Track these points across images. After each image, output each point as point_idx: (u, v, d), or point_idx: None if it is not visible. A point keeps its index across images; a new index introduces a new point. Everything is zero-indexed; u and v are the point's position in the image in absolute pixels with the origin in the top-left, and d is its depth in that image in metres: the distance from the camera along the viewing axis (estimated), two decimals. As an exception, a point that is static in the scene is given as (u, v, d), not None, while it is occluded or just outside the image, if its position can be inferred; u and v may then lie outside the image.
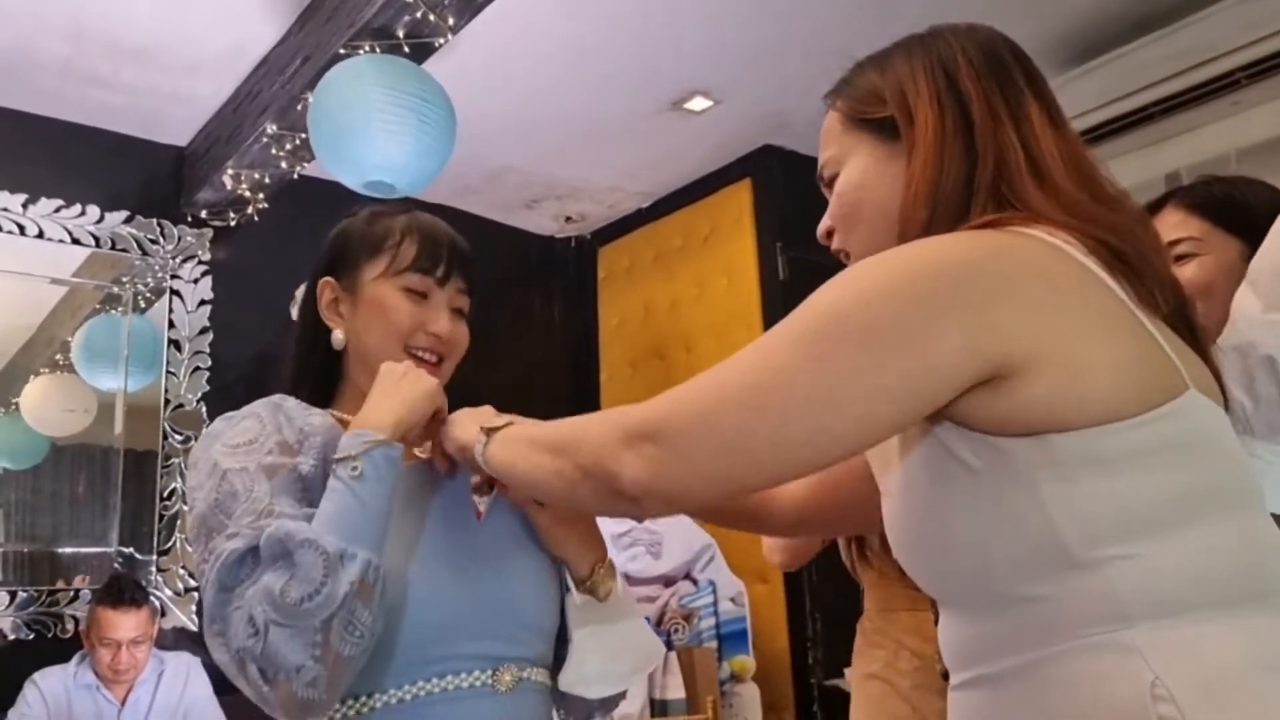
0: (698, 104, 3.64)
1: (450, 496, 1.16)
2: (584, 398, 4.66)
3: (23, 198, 3.47)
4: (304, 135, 3.15)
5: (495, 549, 1.13)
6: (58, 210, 3.53)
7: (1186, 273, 1.34)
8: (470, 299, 1.25)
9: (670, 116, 3.72)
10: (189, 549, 3.58)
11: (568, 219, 4.61)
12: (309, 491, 1.06)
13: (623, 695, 1.25)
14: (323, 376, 1.24)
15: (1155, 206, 1.43)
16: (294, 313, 1.07)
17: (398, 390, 1.10)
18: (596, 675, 1.18)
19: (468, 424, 1.09)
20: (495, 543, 1.14)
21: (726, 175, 4.14)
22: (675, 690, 2.95)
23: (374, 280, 1.20)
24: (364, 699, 1.04)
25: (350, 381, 1.23)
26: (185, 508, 3.60)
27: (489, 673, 1.08)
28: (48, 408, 3.52)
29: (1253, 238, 1.31)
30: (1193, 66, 3.04)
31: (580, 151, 3.97)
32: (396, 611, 1.03)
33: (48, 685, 2.87)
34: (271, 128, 3.16)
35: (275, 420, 1.11)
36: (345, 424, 1.15)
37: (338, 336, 1.22)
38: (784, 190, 4.02)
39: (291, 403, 1.15)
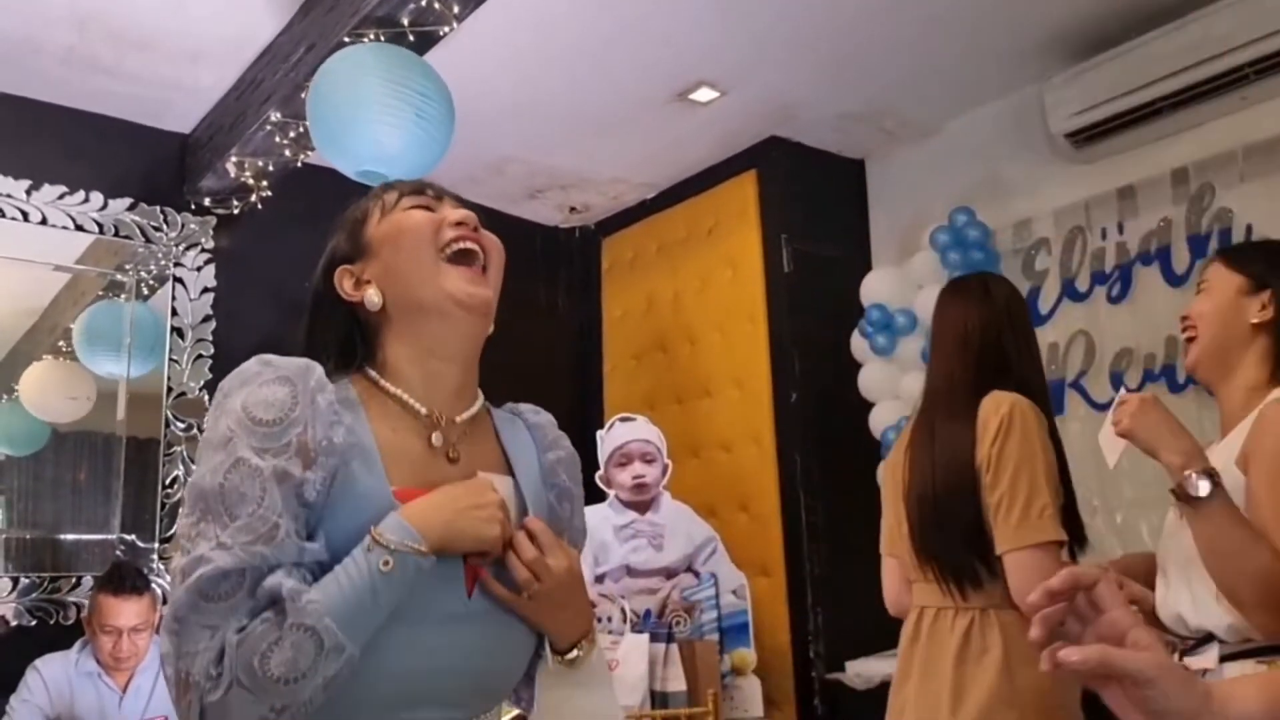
0: (703, 95, 3.63)
1: (442, 567, 1.06)
2: (587, 390, 4.66)
3: (26, 184, 3.46)
4: (307, 123, 3.14)
5: (473, 623, 1.08)
6: (61, 197, 3.52)
7: (1195, 302, 1.81)
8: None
9: (675, 107, 3.70)
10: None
11: (572, 210, 4.60)
12: (310, 511, 1.01)
13: None
14: (346, 347, 1.18)
15: (1209, 263, 1.88)
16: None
17: (458, 499, 1.06)
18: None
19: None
20: (474, 617, 1.08)
21: (731, 167, 4.13)
22: (676, 683, 2.95)
23: (377, 226, 1.19)
24: None
25: (388, 348, 1.16)
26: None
27: None
28: (49, 394, 3.51)
29: (1254, 279, 1.74)
30: (1201, 61, 3.03)
31: (585, 142, 3.95)
32: (360, 675, 0.99)
33: (50, 672, 2.87)
34: (275, 115, 3.15)
35: (306, 411, 1.03)
36: (400, 404, 1.12)
37: (372, 296, 1.14)
38: (789, 182, 4.00)
39: (326, 399, 1.05)
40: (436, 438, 1.13)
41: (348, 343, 1.18)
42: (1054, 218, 3.53)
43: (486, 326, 1.19)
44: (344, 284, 1.18)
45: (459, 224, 1.16)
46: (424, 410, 1.14)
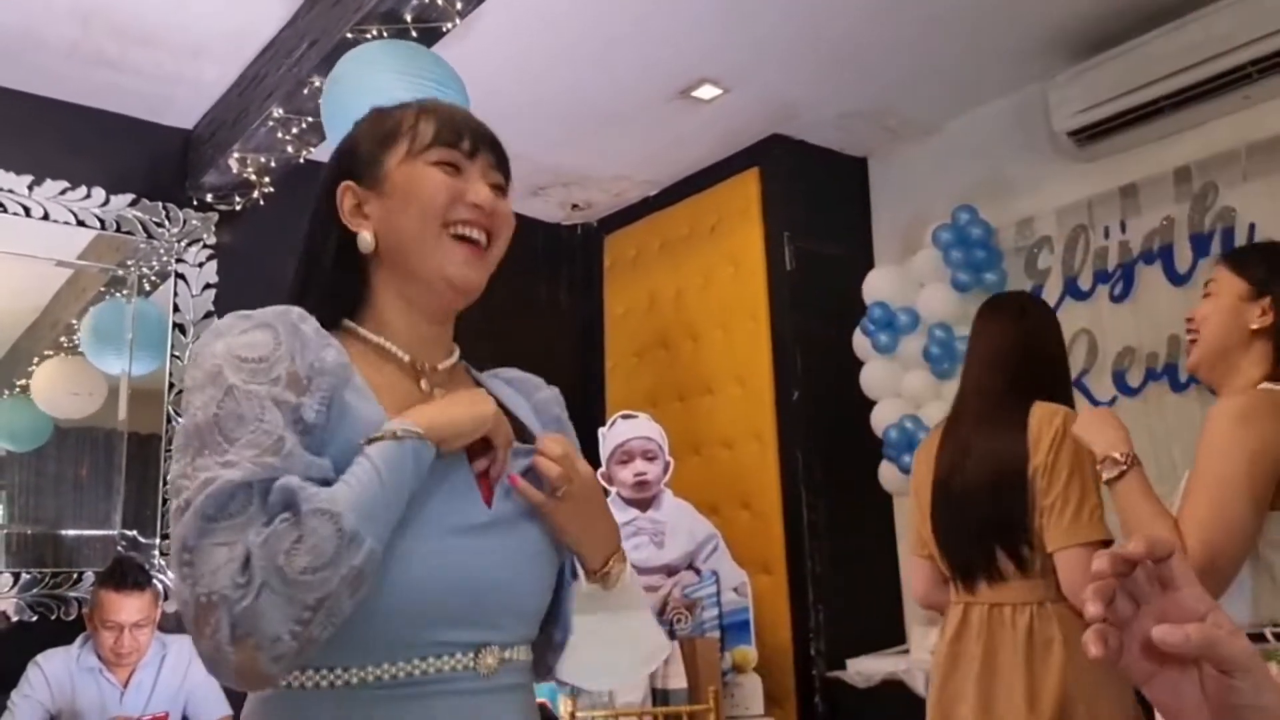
0: (706, 92, 3.63)
1: (455, 479, 1.06)
2: (589, 387, 4.66)
3: (28, 179, 3.46)
4: (310, 119, 3.14)
5: (494, 534, 1.07)
6: (63, 192, 3.52)
7: (1204, 305, 1.86)
8: (506, 178, 1.17)
9: (678, 104, 3.70)
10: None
11: (574, 206, 4.60)
12: (308, 437, 0.98)
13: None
14: (337, 287, 1.14)
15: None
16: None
17: (455, 404, 1.06)
18: (598, 667, 1.16)
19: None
20: (495, 528, 1.07)
21: (734, 164, 4.13)
22: (677, 680, 2.95)
23: (398, 165, 1.11)
24: (340, 672, 0.99)
25: (377, 291, 1.14)
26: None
27: (471, 655, 1.04)
28: (55, 391, 3.52)
29: (1256, 284, 1.80)
30: (1204, 60, 3.03)
31: (587, 139, 3.95)
32: (385, 589, 0.97)
33: (51, 667, 2.87)
34: (278, 112, 3.15)
35: (291, 344, 1.01)
36: (384, 352, 1.12)
37: (365, 238, 1.11)
38: (792, 180, 4.00)
39: (311, 326, 1.04)
40: (424, 384, 1.13)
41: (337, 279, 1.14)
42: (1056, 216, 3.53)
43: (472, 298, 1.17)
44: (344, 201, 1.13)
45: (475, 206, 1.11)
46: (407, 358, 1.13)
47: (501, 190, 1.16)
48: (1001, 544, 2.02)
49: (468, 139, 1.14)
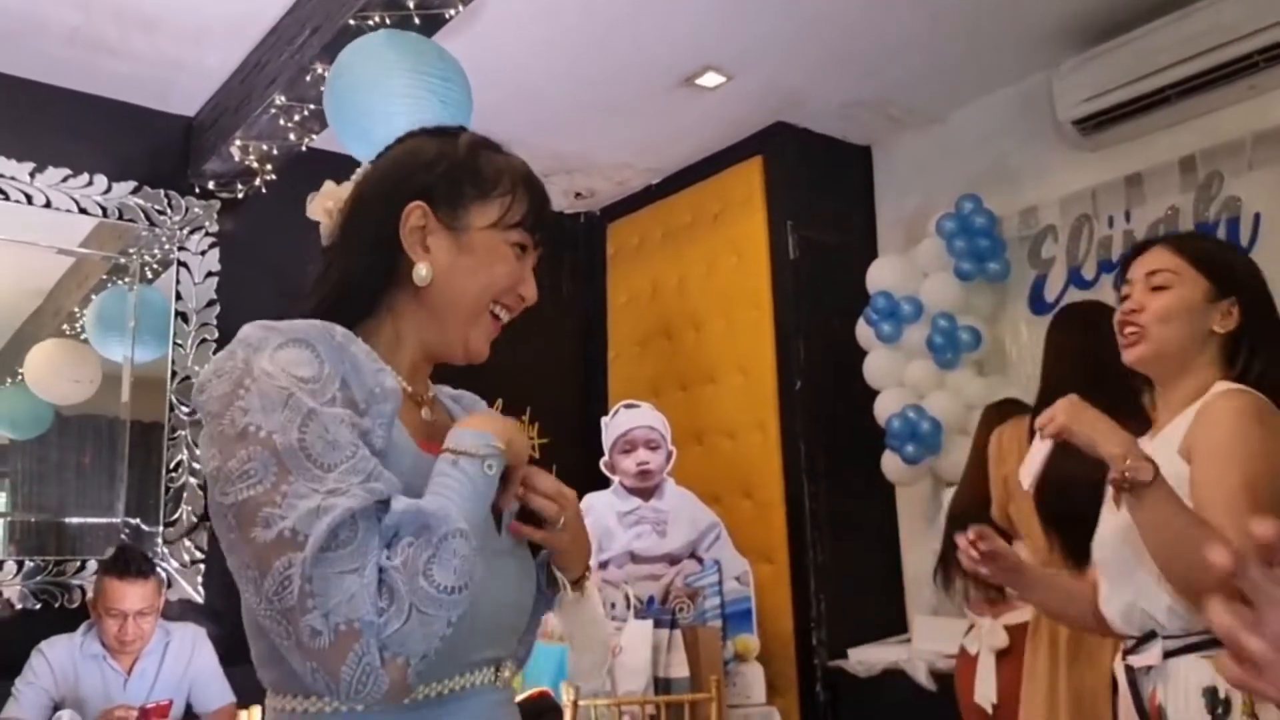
0: (710, 79, 3.61)
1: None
2: (591, 376, 4.66)
3: (30, 166, 3.46)
4: (312, 106, 3.13)
5: (508, 558, 1.13)
6: (65, 180, 3.52)
7: (1159, 300, 1.66)
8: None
9: (682, 92, 3.69)
10: (195, 521, 3.58)
11: (577, 195, 4.59)
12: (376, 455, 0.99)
13: None
14: (358, 299, 1.12)
15: (1144, 246, 1.74)
16: (311, 209, 0.96)
17: (509, 428, 1.09)
18: (591, 667, 1.25)
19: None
20: (506, 553, 1.14)
21: (738, 152, 4.11)
22: (679, 669, 2.95)
23: (485, 229, 1.13)
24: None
25: (401, 319, 1.13)
26: (191, 479, 3.61)
27: (493, 670, 1.10)
28: (53, 376, 3.51)
29: (1220, 285, 1.66)
30: (1210, 49, 3.01)
31: (590, 126, 3.94)
32: None
33: (55, 655, 2.88)
34: (280, 99, 3.14)
35: (338, 365, 0.99)
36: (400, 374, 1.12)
37: (422, 272, 1.10)
38: (795, 169, 3.99)
39: (360, 348, 1.03)
40: (426, 413, 1.16)
41: (363, 291, 1.12)
42: (1061, 205, 3.52)
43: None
44: (409, 220, 1.11)
45: (521, 299, 1.18)
46: (410, 388, 1.14)
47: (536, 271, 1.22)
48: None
49: (542, 231, 1.18)
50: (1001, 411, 2.99)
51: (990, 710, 2.76)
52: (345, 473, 0.92)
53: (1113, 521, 1.67)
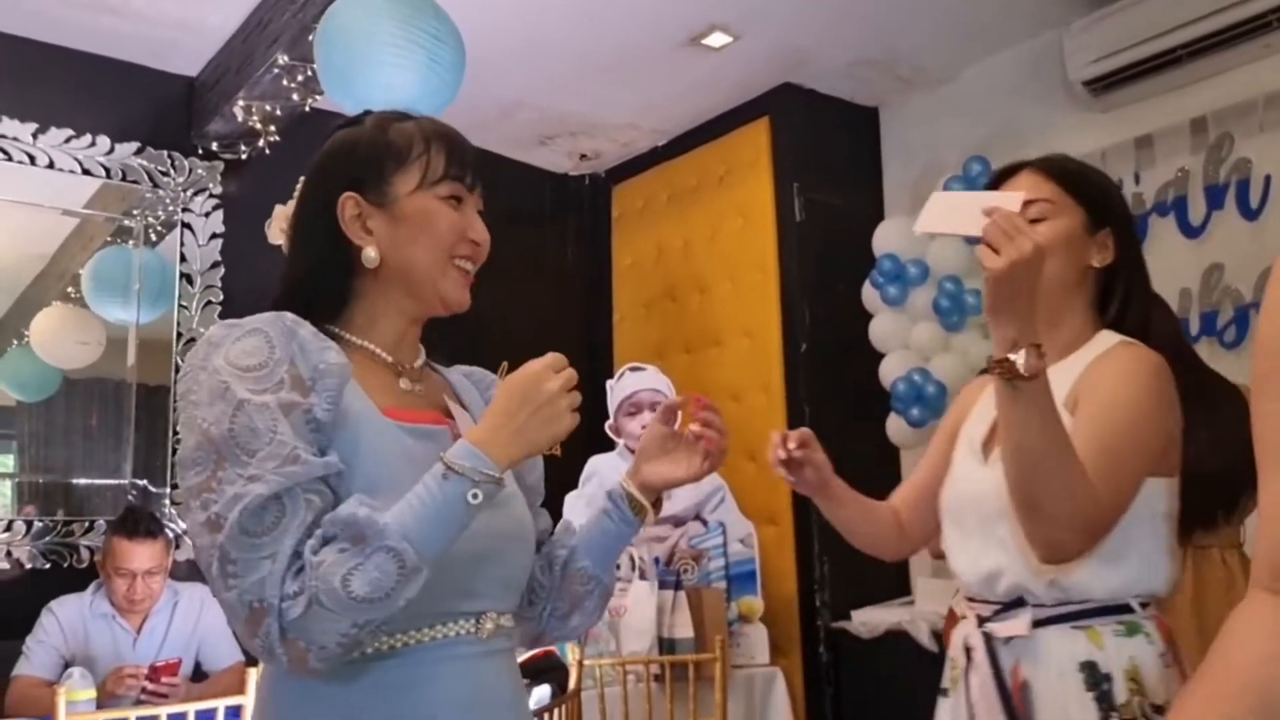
0: (716, 39, 3.57)
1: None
2: (596, 339, 4.65)
3: (33, 127, 3.44)
4: (315, 67, 3.10)
5: (486, 510, 1.08)
6: (68, 140, 3.50)
7: (1040, 231, 1.43)
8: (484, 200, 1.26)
9: (688, 52, 3.65)
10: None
11: (582, 156, 4.56)
12: (320, 434, 1.05)
13: None
14: (327, 292, 1.19)
15: (1010, 172, 1.57)
16: (271, 233, 1.03)
17: (531, 428, 1.07)
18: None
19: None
20: (509, 496, 1.16)
21: (744, 114, 4.08)
22: (684, 629, 2.98)
23: (410, 194, 1.17)
24: None
25: (368, 299, 1.19)
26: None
27: (473, 622, 1.12)
28: (59, 340, 3.52)
29: (1096, 214, 1.49)
30: (1223, 8, 2.98)
31: (595, 87, 3.90)
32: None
33: (64, 613, 2.91)
34: (283, 59, 3.11)
35: (288, 349, 1.06)
36: (368, 354, 1.17)
37: (370, 255, 1.16)
38: (802, 130, 3.96)
39: (307, 330, 1.09)
40: (404, 382, 1.20)
41: (327, 284, 1.18)
42: (1070, 167, 3.49)
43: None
44: (345, 211, 1.17)
45: (475, 244, 1.20)
46: (390, 359, 1.20)
47: (483, 214, 1.25)
48: None
49: (470, 172, 1.21)
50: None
51: None
52: (264, 458, 0.99)
53: (982, 476, 1.46)
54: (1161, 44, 3.11)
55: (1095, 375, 1.39)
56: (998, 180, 1.58)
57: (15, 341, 3.47)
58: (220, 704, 2.38)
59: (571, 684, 2.62)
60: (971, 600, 1.48)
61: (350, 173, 1.18)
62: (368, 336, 1.19)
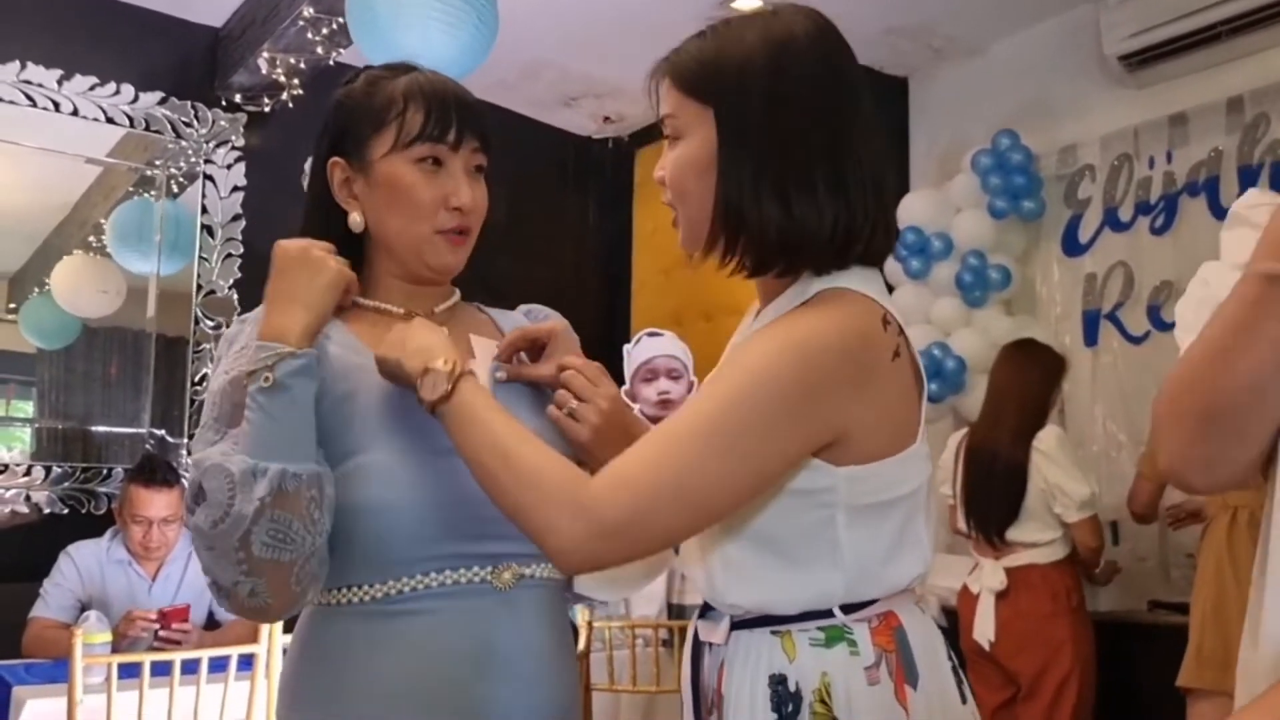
0: (746, 3, 3.52)
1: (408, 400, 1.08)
2: (615, 304, 4.64)
3: (58, 74, 3.43)
4: (341, 20, 3.08)
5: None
6: (93, 88, 3.49)
7: (667, 162, 1.10)
8: (487, 155, 1.17)
9: (718, 15, 3.60)
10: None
11: (606, 119, 4.52)
12: None
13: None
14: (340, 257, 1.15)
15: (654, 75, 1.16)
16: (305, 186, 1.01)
17: (297, 287, 1.07)
18: (608, 577, 1.17)
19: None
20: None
21: (770, 80, 4.03)
22: (693, 595, 2.98)
23: (384, 157, 1.13)
24: (350, 589, 1.07)
25: (372, 266, 1.18)
26: (216, 393, 3.65)
27: (488, 569, 1.08)
28: (79, 288, 3.54)
29: (722, 106, 1.06)
30: (1266, -16, 2.91)
31: (621, 48, 3.86)
32: (376, 509, 1.05)
33: (81, 558, 2.94)
34: (308, 11, 3.09)
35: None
36: (378, 311, 1.16)
37: (355, 219, 1.15)
38: (829, 98, 3.90)
39: None
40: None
41: (341, 249, 1.15)
42: (1101, 144, 3.44)
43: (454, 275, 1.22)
44: (334, 177, 1.16)
45: (458, 212, 1.13)
46: (401, 310, 1.17)
47: (481, 170, 1.17)
48: None
49: (453, 129, 1.13)
50: (1021, 350, 2.97)
51: (987, 648, 2.80)
52: (203, 429, 1.09)
53: None
54: (1200, 20, 3.06)
55: (747, 344, 1.07)
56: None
57: (36, 289, 3.49)
58: (233, 652, 2.41)
59: (580, 646, 2.63)
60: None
61: (336, 136, 1.17)
62: (375, 295, 1.18)
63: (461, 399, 1.02)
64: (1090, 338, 3.43)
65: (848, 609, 1.05)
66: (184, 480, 3.11)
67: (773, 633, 1.06)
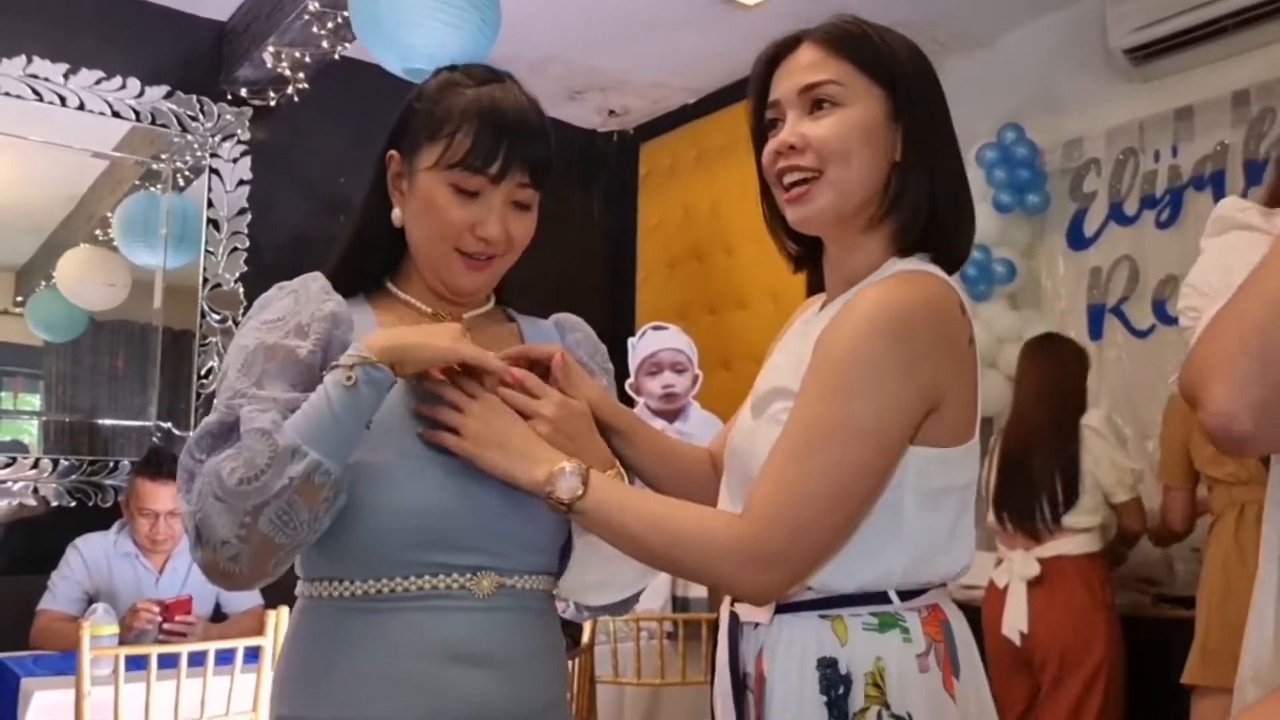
0: (750, -2, 3.52)
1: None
2: (620, 297, 4.64)
3: (64, 68, 3.44)
4: (346, 14, 3.08)
5: (455, 462, 1.10)
6: (98, 82, 3.50)
7: (822, 126, 1.13)
8: (536, 189, 1.16)
9: (722, 9, 3.60)
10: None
11: (611, 113, 4.53)
12: (307, 375, 1.08)
13: (635, 598, 1.25)
14: (385, 246, 1.20)
15: (789, 44, 1.22)
16: None
17: (411, 332, 1.11)
18: (595, 584, 1.18)
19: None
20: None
21: (775, 74, 4.02)
22: (698, 588, 2.99)
23: (427, 170, 1.13)
24: (335, 583, 1.10)
25: (407, 255, 1.20)
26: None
27: (468, 577, 1.10)
28: (86, 281, 3.55)
29: (894, 95, 1.15)
30: (1274, -23, 2.90)
31: (626, 43, 3.86)
32: (374, 507, 1.07)
33: (89, 550, 2.96)
34: (313, 5, 3.09)
35: (301, 301, 1.12)
36: (408, 306, 1.19)
37: (397, 215, 1.17)
38: (834, 92, 3.90)
39: (318, 285, 1.14)
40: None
41: (380, 240, 1.20)
42: (1106, 137, 3.43)
43: (477, 298, 1.23)
44: (391, 169, 1.18)
45: (483, 241, 1.13)
46: (429, 310, 1.20)
47: (524, 206, 1.17)
48: None
49: (499, 162, 1.12)
50: (1051, 343, 2.96)
51: (1019, 641, 2.77)
52: (223, 392, 1.09)
53: (751, 429, 1.18)
54: (1207, 13, 3.05)
55: (830, 329, 1.08)
56: (767, 66, 1.25)
57: (44, 282, 3.50)
58: (240, 644, 2.42)
59: (585, 638, 2.64)
60: None
61: (399, 130, 1.18)
62: (408, 290, 1.20)
63: (596, 493, 1.06)
64: (1095, 332, 3.42)
65: (903, 595, 1.09)
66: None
67: (821, 616, 1.08)
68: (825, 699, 1.05)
